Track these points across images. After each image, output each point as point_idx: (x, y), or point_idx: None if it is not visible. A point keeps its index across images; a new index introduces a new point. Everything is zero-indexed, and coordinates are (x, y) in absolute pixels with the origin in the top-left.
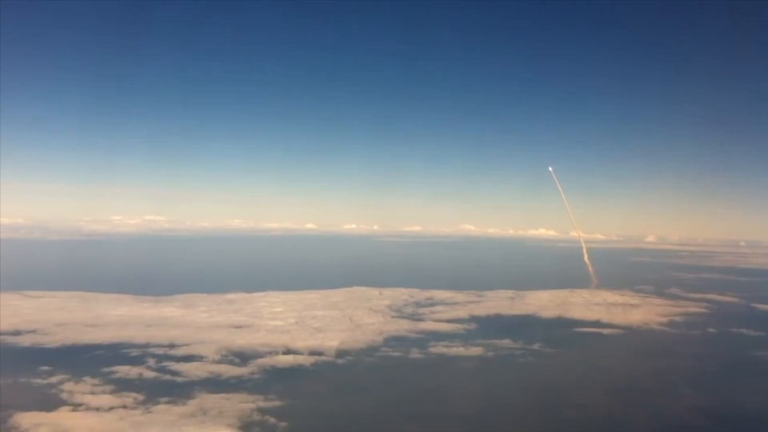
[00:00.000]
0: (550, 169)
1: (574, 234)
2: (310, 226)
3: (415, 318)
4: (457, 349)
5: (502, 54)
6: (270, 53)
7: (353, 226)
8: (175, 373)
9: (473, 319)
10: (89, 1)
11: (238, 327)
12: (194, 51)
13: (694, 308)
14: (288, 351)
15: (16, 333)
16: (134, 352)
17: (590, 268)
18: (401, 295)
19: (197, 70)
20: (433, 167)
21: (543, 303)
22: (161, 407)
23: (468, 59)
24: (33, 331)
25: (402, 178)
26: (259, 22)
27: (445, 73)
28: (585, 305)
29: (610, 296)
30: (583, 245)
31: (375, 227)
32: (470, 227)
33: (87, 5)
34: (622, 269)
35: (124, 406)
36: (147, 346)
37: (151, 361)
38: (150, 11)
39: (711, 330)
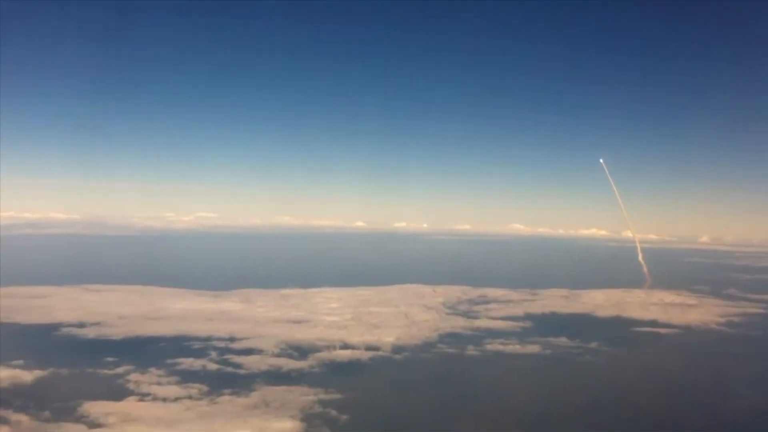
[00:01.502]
0: (601, 161)
1: (626, 233)
2: (359, 224)
3: (470, 315)
4: (514, 347)
5: (550, 46)
6: (322, 49)
7: (402, 224)
8: (236, 366)
9: (528, 317)
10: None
11: (296, 322)
12: (243, 47)
13: (752, 309)
14: (345, 346)
15: (81, 325)
16: (196, 345)
17: (645, 268)
18: (454, 292)
19: (246, 68)
20: (483, 165)
21: (598, 302)
22: (225, 398)
23: (516, 53)
24: (97, 324)
25: (452, 177)
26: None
27: (494, 69)
28: (641, 305)
29: (667, 296)
30: (638, 245)
31: (424, 225)
32: (519, 226)
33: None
34: (677, 269)
35: (190, 397)
36: (208, 339)
37: (213, 354)
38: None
39: None
